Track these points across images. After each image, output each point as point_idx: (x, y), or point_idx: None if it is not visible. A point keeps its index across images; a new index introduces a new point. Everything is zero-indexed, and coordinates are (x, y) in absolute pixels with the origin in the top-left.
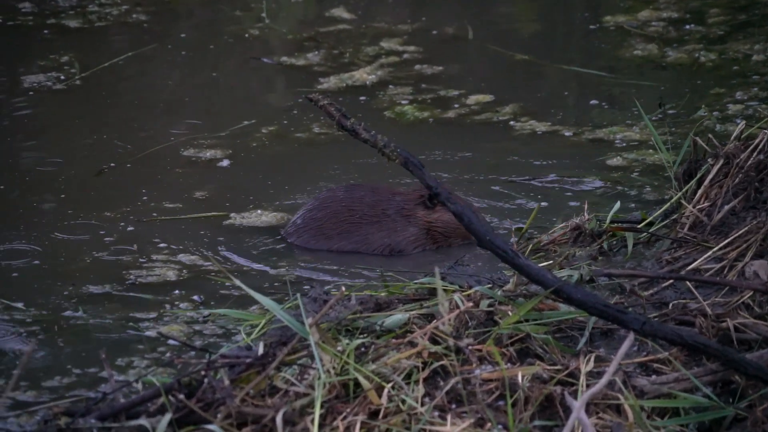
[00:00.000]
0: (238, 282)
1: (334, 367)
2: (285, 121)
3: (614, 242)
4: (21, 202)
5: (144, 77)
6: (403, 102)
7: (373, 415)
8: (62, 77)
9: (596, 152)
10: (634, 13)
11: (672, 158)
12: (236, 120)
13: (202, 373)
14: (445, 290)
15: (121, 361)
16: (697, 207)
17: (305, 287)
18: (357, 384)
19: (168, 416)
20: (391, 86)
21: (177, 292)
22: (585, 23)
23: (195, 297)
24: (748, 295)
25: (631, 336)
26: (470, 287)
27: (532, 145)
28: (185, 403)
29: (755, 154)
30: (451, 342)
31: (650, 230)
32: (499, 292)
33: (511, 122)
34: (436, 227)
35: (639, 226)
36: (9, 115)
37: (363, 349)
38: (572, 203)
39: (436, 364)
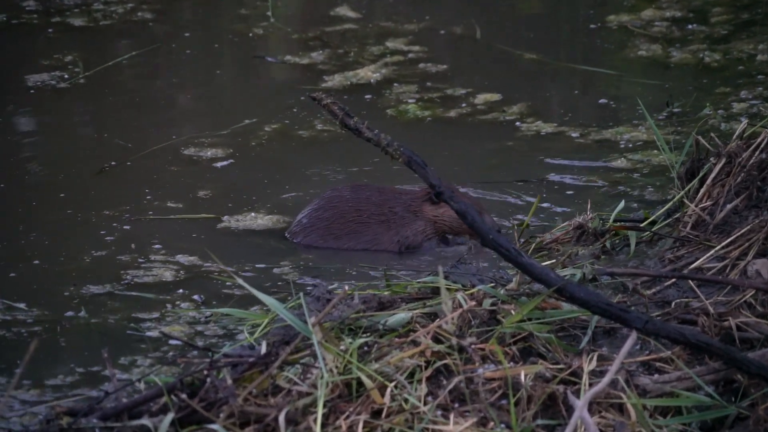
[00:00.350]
0: (240, 281)
1: (336, 366)
2: (287, 120)
3: (617, 241)
4: (21, 202)
5: (148, 76)
6: (409, 101)
7: (376, 414)
8: (66, 76)
9: (602, 153)
10: (638, 12)
11: (675, 158)
12: (239, 119)
13: (205, 372)
14: (448, 289)
15: (123, 360)
16: (700, 206)
17: (308, 287)
18: (360, 383)
19: (170, 416)
20: (396, 84)
21: (179, 291)
22: (587, 22)
23: (196, 297)
24: (751, 294)
25: (634, 335)
26: (473, 286)
27: (538, 145)
28: (188, 403)
29: (757, 153)
30: (454, 341)
31: (653, 229)
32: (502, 291)
33: (517, 123)
34: (443, 222)
35: (641, 225)
36: (12, 113)
37: (366, 348)
38: (576, 202)
39: (438, 363)
